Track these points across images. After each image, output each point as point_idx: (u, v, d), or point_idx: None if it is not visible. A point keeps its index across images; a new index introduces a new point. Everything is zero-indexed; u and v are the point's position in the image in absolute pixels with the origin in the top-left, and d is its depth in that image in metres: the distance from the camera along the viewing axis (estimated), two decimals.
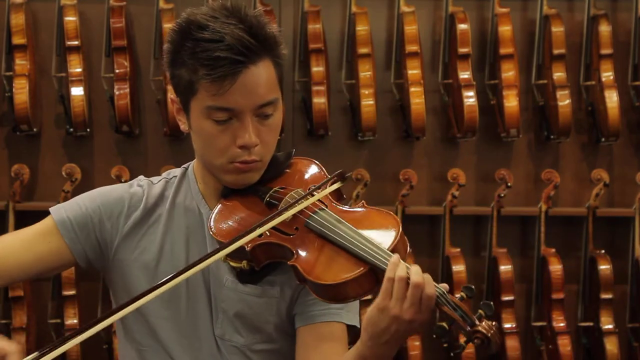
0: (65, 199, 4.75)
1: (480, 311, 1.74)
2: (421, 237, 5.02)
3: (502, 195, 4.90)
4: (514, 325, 4.86)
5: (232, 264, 1.93)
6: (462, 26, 4.87)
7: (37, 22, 4.94)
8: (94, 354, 4.79)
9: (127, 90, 4.77)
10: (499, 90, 4.91)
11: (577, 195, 5.14)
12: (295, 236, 1.89)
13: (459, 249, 4.86)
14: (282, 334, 2.02)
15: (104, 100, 4.88)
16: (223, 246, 1.86)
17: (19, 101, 4.72)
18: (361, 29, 4.87)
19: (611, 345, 4.85)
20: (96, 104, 4.94)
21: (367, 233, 1.85)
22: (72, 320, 4.71)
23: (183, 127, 1.99)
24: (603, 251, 4.96)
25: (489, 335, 1.72)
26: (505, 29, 4.89)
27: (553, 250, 4.92)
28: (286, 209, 1.90)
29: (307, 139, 4.94)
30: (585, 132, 5.13)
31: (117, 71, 4.80)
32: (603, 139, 4.96)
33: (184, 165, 2.10)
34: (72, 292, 4.72)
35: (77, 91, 4.76)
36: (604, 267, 4.89)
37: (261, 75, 1.89)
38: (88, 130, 4.84)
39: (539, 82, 5.00)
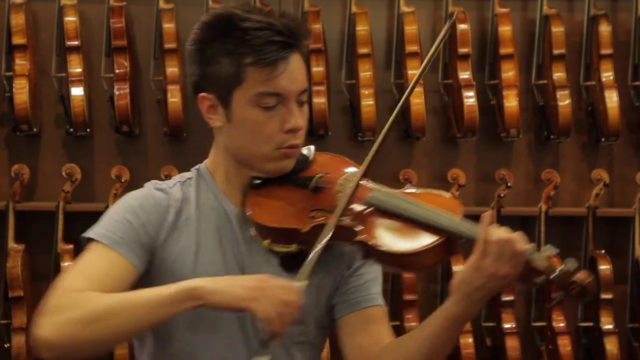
0: (65, 199, 4.76)
1: (571, 263, 1.84)
2: None
3: (502, 195, 4.90)
4: (514, 325, 4.86)
5: (277, 249, 1.96)
6: (462, 26, 4.87)
7: (37, 22, 4.94)
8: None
9: (127, 90, 4.77)
10: (499, 90, 4.92)
11: (577, 195, 5.14)
12: (356, 214, 1.94)
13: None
14: (317, 325, 2.07)
15: (104, 100, 4.88)
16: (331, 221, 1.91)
17: (19, 101, 4.72)
18: (361, 29, 4.87)
19: (611, 345, 4.85)
20: (96, 104, 4.94)
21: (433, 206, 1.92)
22: None
23: (215, 123, 2.01)
24: (603, 251, 4.96)
25: (585, 284, 1.82)
26: (505, 29, 4.89)
27: None
28: (354, 189, 1.95)
29: (307, 139, 4.88)
30: (585, 132, 5.13)
31: (117, 71, 4.80)
32: (603, 139, 4.96)
33: (194, 168, 2.11)
34: None
35: (77, 91, 4.76)
36: (604, 267, 4.89)
37: (299, 62, 1.99)
38: (88, 130, 4.84)
39: (539, 82, 5.00)
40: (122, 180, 4.80)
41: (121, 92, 4.77)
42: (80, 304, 1.84)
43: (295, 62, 1.97)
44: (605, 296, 4.87)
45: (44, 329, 1.83)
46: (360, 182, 2.00)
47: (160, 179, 4.98)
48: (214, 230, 2.02)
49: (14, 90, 4.72)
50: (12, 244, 4.74)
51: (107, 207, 4.75)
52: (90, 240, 2.00)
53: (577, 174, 5.15)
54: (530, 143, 5.14)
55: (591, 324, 4.98)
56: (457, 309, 1.88)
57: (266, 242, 1.97)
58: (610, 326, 4.88)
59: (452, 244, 1.90)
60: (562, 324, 4.87)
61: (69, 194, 4.78)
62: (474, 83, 4.86)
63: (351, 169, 2.06)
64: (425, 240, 1.87)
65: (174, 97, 4.75)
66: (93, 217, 5.21)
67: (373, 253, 1.89)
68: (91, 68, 4.91)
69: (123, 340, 1.85)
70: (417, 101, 4.79)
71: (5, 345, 4.74)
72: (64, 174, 4.80)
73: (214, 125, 2.02)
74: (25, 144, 4.97)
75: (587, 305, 5.01)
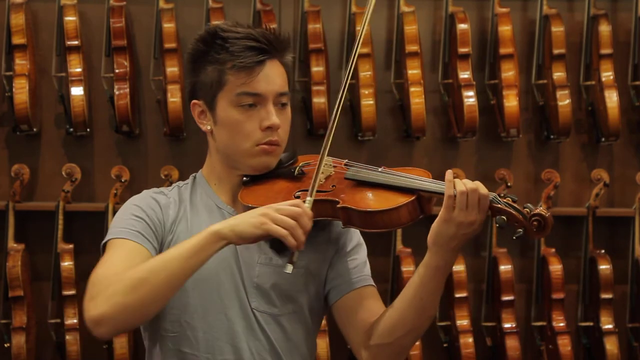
0: (65, 199, 4.77)
1: (529, 206, 2.07)
2: (421, 237, 5.00)
3: (502, 195, 4.89)
4: (514, 325, 4.86)
5: None
6: (462, 26, 4.87)
7: (37, 22, 4.94)
8: (94, 354, 4.79)
9: (127, 90, 4.77)
10: (499, 90, 4.92)
11: (577, 195, 5.14)
12: (335, 190, 2.19)
13: None
14: (308, 307, 2.27)
15: (104, 100, 4.88)
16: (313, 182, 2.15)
17: (19, 101, 4.72)
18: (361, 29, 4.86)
19: (611, 345, 4.85)
20: (96, 104, 4.94)
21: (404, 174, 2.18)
22: (72, 320, 4.71)
23: (205, 127, 2.25)
24: (603, 251, 4.96)
25: (546, 215, 2.05)
26: (505, 29, 4.89)
27: (553, 250, 4.92)
28: (320, 167, 2.18)
29: (307, 138, 4.94)
30: (585, 132, 5.13)
31: (117, 71, 4.80)
32: (603, 139, 4.96)
33: (191, 175, 2.33)
34: (72, 292, 4.72)
35: (77, 91, 4.76)
36: (604, 267, 4.89)
37: (278, 69, 2.23)
38: (88, 130, 4.84)
39: (539, 82, 5.00)
40: (122, 180, 4.80)
41: (121, 92, 4.77)
42: (121, 277, 2.01)
43: (273, 67, 2.22)
44: (605, 296, 4.87)
45: (95, 308, 2.01)
46: (341, 164, 2.25)
47: (160, 179, 5.01)
48: (207, 223, 2.18)
49: (14, 90, 4.72)
50: (12, 244, 4.74)
51: (107, 207, 4.76)
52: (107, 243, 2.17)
53: (577, 174, 5.15)
54: (530, 143, 5.14)
55: (591, 324, 4.98)
56: (437, 260, 2.12)
57: None
58: (610, 326, 4.88)
59: (423, 202, 2.15)
60: (562, 324, 4.87)
61: (69, 194, 4.78)
62: (474, 83, 4.86)
63: (328, 158, 2.29)
64: (398, 199, 2.12)
65: (174, 97, 4.75)
66: (93, 217, 5.22)
67: (354, 216, 2.12)
68: (91, 68, 4.91)
69: (169, 296, 2.05)
70: (417, 101, 4.79)
71: (5, 345, 4.75)
72: (64, 174, 4.80)
73: (204, 130, 2.26)
74: (25, 144, 4.97)
75: (587, 305, 5.01)
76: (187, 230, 2.21)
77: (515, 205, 2.08)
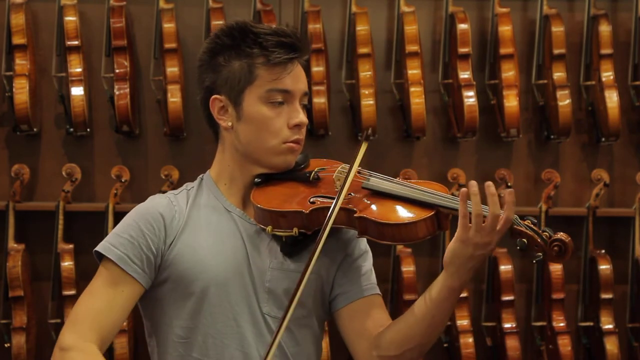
0: (65, 199, 4.77)
1: (550, 229, 2.02)
2: None
3: (502, 195, 4.88)
4: (514, 325, 4.86)
5: (279, 233, 2.16)
6: (462, 26, 4.87)
7: (37, 22, 4.94)
8: None
9: (127, 90, 4.77)
10: (499, 90, 4.92)
11: (577, 195, 5.14)
12: (352, 198, 2.15)
13: None
14: (316, 312, 2.26)
15: (104, 100, 4.88)
16: (336, 198, 2.10)
17: (19, 101, 4.72)
18: (361, 29, 4.87)
19: (611, 345, 4.85)
20: (96, 104, 4.94)
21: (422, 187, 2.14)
22: None
23: (225, 124, 2.22)
24: (603, 251, 4.96)
25: (567, 241, 2.01)
26: (505, 29, 4.89)
27: None
28: (348, 175, 2.14)
29: (307, 139, 4.89)
30: (585, 132, 5.13)
31: (117, 71, 4.80)
32: (603, 139, 4.96)
33: (199, 177, 2.31)
34: (72, 292, 4.72)
35: (77, 91, 4.76)
36: (604, 267, 4.89)
37: (301, 69, 2.24)
38: (88, 130, 4.84)
39: (539, 82, 5.00)
40: (122, 180, 4.80)
41: (121, 92, 4.77)
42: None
43: (298, 66, 2.22)
44: (605, 296, 4.87)
45: None
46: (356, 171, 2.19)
47: (160, 179, 5.01)
48: (214, 227, 2.20)
49: (14, 90, 4.72)
50: (12, 244, 4.74)
51: (107, 207, 4.76)
52: (100, 254, 2.16)
53: (577, 174, 5.15)
54: (530, 143, 5.14)
55: (591, 324, 4.99)
56: (452, 281, 2.08)
57: (269, 227, 2.15)
58: (610, 326, 4.88)
59: (441, 217, 2.10)
60: (562, 324, 4.87)
61: (69, 194, 4.78)
62: (474, 83, 4.86)
63: (345, 165, 2.25)
64: (417, 213, 2.08)
65: (174, 97, 4.75)
66: (93, 217, 5.21)
67: (371, 226, 2.08)
68: (91, 68, 4.91)
69: None
70: (417, 101, 4.79)
71: (5, 345, 4.75)
72: (64, 174, 4.80)
73: (224, 126, 2.22)
74: (25, 144, 4.97)
75: (587, 305, 5.01)
76: (190, 238, 2.19)
77: (535, 228, 2.03)
